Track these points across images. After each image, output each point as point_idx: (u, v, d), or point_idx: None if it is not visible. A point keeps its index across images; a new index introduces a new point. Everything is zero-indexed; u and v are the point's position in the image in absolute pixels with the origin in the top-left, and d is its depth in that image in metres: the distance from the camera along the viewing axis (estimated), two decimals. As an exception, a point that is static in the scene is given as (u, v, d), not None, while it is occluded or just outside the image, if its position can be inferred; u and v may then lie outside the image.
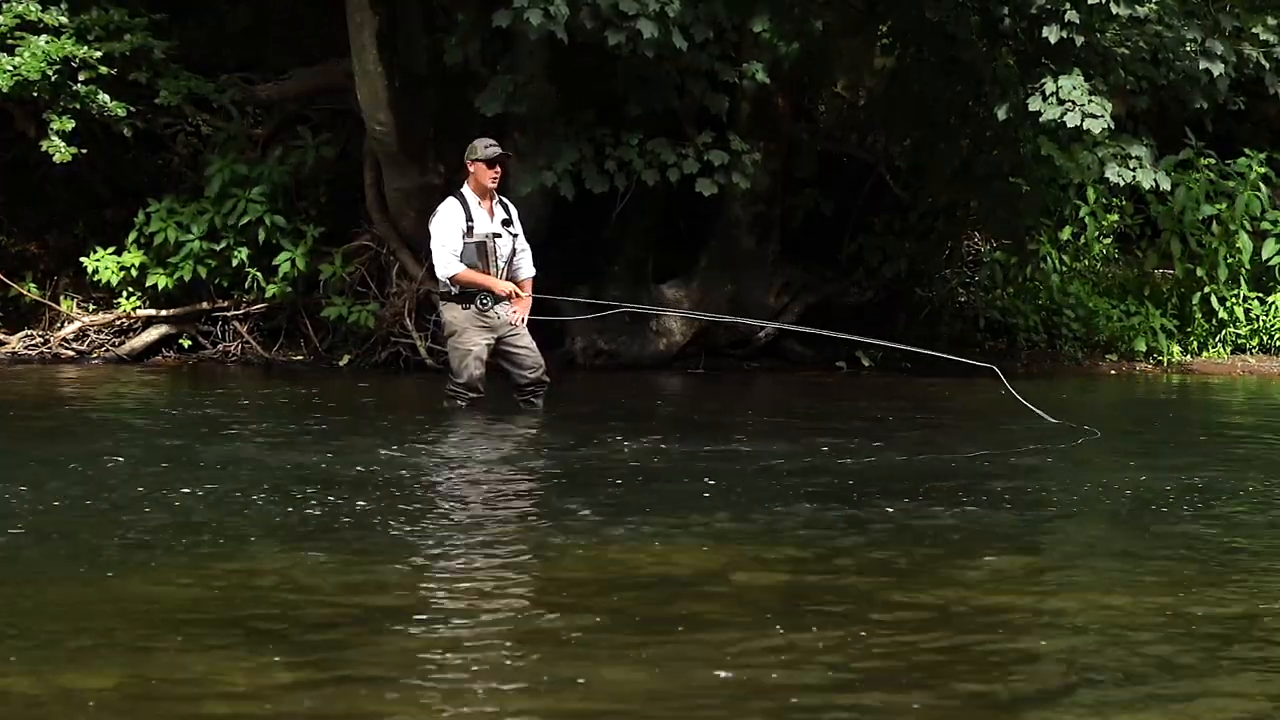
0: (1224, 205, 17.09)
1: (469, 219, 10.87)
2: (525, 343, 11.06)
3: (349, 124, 15.27)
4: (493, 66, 13.95)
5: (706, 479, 8.36)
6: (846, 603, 5.81)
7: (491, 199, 11.02)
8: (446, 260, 10.85)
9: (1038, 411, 10.71)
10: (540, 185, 13.67)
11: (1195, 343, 17.04)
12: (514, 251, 11.04)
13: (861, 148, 16.16)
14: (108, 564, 6.17)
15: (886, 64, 16.51)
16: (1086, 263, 17.49)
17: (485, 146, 10.94)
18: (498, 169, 10.96)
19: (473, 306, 10.90)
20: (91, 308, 15.43)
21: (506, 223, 11.03)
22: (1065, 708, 4.60)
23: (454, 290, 10.91)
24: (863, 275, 16.10)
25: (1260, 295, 17.28)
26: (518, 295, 10.95)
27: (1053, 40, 13.05)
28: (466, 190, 10.95)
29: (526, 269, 11.14)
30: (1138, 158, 13.88)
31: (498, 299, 10.90)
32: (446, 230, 10.87)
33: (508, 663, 4.98)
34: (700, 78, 13.65)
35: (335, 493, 7.75)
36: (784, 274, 15.72)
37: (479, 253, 10.87)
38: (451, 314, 11.00)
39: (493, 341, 10.99)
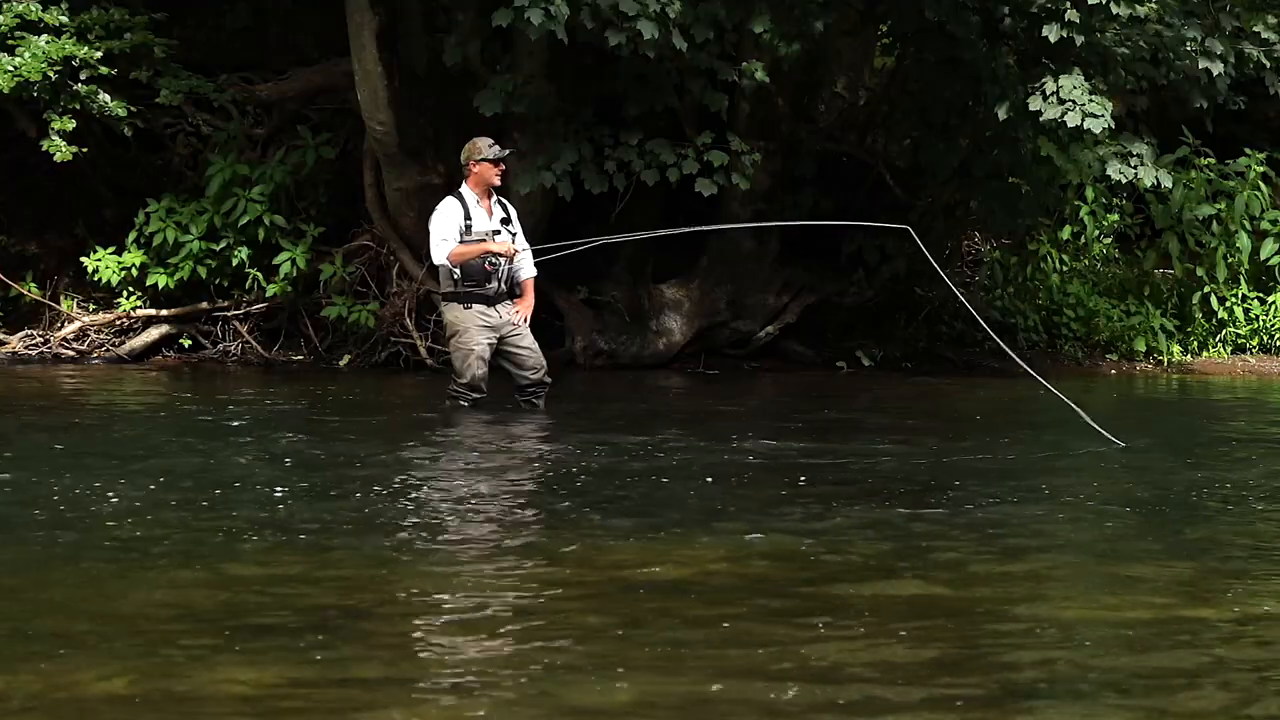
0: (1223, 205, 17.09)
1: (467, 217, 10.92)
2: (527, 343, 11.08)
3: (349, 124, 15.26)
4: (493, 66, 13.95)
5: (717, 479, 8.37)
6: (868, 604, 5.81)
7: (490, 198, 11.05)
8: (439, 247, 10.94)
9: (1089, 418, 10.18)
10: (540, 185, 13.66)
11: (1195, 342, 17.04)
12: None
13: (861, 148, 16.15)
14: (112, 564, 6.17)
15: (886, 64, 16.50)
16: (1086, 262, 17.49)
17: (489, 146, 11.01)
18: (502, 167, 11.05)
19: (474, 306, 10.94)
20: (92, 307, 15.43)
21: (505, 221, 11.06)
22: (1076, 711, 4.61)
23: (455, 274, 10.93)
24: (862, 275, 16.09)
25: (1260, 295, 17.28)
26: (514, 251, 10.95)
27: (1053, 39, 13.05)
28: (465, 189, 11.00)
29: (527, 269, 11.17)
30: (1139, 155, 13.87)
31: (506, 293, 10.91)
32: (444, 224, 10.95)
33: (518, 664, 4.97)
34: (700, 76, 13.64)
35: (338, 493, 7.75)
36: (784, 274, 15.70)
37: None
38: (453, 314, 11.03)
39: (495, 341, 11.01)
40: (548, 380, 11.17)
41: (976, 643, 5.26)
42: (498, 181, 11.03)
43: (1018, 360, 11.21)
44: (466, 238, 10.89)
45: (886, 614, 5.61)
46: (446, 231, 10.91)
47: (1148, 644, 5.25)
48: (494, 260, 10.87)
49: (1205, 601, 5.87)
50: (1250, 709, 4.58)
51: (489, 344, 10.99)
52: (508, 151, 11.19)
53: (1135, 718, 4.49)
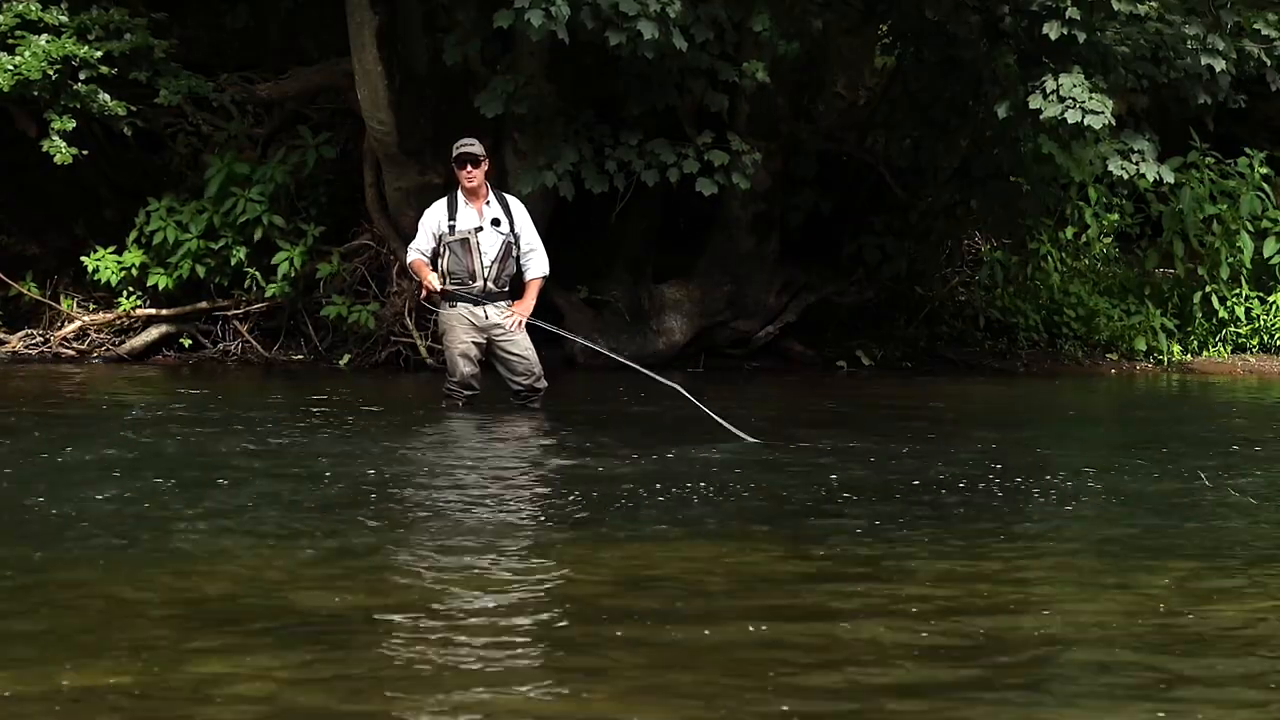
0: (1225, 205, 17.09)
1: (451, 217, 10.96)
2: (516, 349, 11.04)
3: (349, 124, 15.26)
4: (493, 66, 13.95)
5: (718, 480, 8.36)
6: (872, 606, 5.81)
7: (481, 197, 11.05)
8: (408, 253, 11.32)
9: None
10: (540, 185, 13.67)
11: (1195, 342, 17.04)
12: (507, 249, 11.02)
13: (861, 148, 16.16)
14: (109, 563, 6.16)
15: (887, 64, 16.50)
16: (1087, 262, 17.50)
17: (456, 147, 11.04)
18: (470, 169, 10.97)
19: (459, 305, 10.96)
20: (92, 307, 15.43)
21: (496, 221, 11.04)
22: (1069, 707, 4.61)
23: (442, 272, 11.03)
24: (863, 275, 16.10)
25: (1260, 295, 17.29)
26: (433, 289, 11.02)
27: (1053, 37, 13.04)
28: (459, 189, 11.03)
29: (533, 269, 11.14)
30: (1140, 151, 13.87)
31: (501, 293, 11.01)
32: (420, 228, 11.20)
33: (522, 664, 4.97)
34: (701, 76, 13.64)
35: (338, 493, 7.75)
36: (784, 274, 15.71)
37: (463, 249, 10.98)
38: (441, 313, 11.13)
39: (482, 340, 11.03)
40: (540, 386, 11.09)
41: (988, 642, 5.26)
42: (467, 184, 10.99)
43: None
44: (450, 239, 10.94)
45: (892, 616, 5.60)
46: (418, 239, 11.13)
47: (1155, 646, 5.24)
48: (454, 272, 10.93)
49: (1214, 602, 5.87)
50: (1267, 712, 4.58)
51: (475, 342, 11.02)
52: (463, 153, 10.97)
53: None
